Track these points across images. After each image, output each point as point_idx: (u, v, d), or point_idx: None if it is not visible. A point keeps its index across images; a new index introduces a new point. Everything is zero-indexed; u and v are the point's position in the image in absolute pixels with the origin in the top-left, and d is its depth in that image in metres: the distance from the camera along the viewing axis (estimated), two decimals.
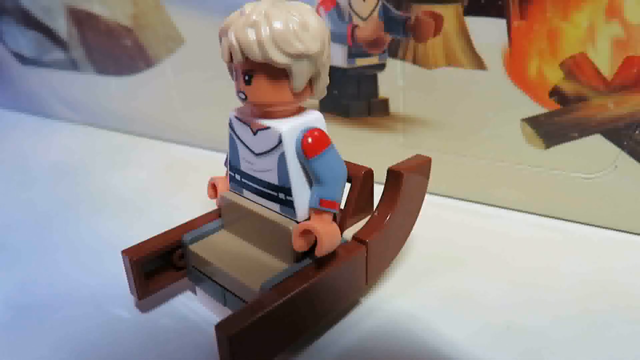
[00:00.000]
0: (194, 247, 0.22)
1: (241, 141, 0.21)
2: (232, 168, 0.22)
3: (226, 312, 0.22)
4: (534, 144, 0.27)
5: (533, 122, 0.27)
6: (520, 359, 0.20)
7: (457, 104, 0.28)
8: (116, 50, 0.41)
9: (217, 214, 0.24)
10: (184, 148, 0.42)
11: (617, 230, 0.27)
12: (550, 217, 0.29)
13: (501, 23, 0.26)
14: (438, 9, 0.27)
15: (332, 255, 0.21)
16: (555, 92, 0.26)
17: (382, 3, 0.28)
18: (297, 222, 0.20)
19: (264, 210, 0.21)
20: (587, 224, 0.28)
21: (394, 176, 0.23)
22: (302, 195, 0.20)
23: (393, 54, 0.29)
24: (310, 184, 0.20)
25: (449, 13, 0.27)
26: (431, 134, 0.30)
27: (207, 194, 0.24)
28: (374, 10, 0.29)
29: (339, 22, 0.30)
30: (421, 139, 0.30)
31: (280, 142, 0.19)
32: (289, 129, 0.19)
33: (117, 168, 0.39)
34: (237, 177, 0.22)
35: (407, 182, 0.23)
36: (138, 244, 0.22)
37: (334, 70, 0.32)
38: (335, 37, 0.31)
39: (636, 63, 0.23)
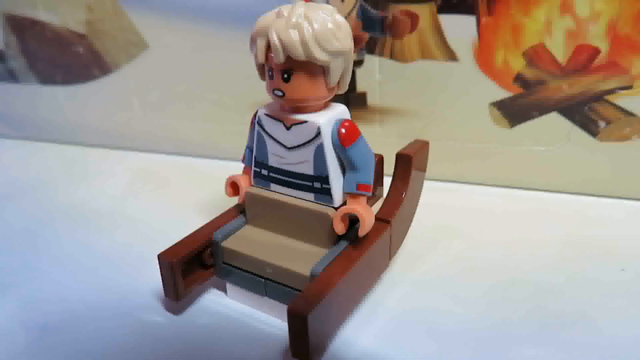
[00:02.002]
0: (227, 244, 0.23)
1: (271, 137, 0.22)
2: (258, 164, 0.23)
3: (264, 302, 0.23)
4: (500, 124, 0.31)
5: (499, 105, 0.31)
6: (534, 309, 0.23)
7: (431, 94, 0.32)
8: (65, 58, 0.39)
9: (235, 210, 0.25)
10: (147, 155, 0.41)
11: (574, 193, 0.32)
12: (517, 188, 0.33)
13: (471, 19, 0.29)
14: (414, 8, 0.30)
15: (364, 235, 0.22)
16: (519, 78, 0.30)
17: (360, 3, 0.31)
18: (334, 208, 0.22)
19: (297, 200, 0.22)
20: (550, 191, 0.32)
21: (403, 159, 0.25)
22: (337, 182, 0.22)
23: (371, 50, 0.32)
24: (343, 171, 0.22)
25: (424, 11, 0.30)
26: (407, 122, 0.33)
27: (225, 192, 0.25)
28: (352, 10, 0.31)
29: None
30: (397, 128, 0.33)
31: (318, 134, 0.21)
32: (325, 121, 0.21)
33: (79, 181, 0.37)
34: (264, 172, 0.23)
35: (415, 163, 0.25)
36: (171, 247, 0.23)
37: None
38: None
39: (585, 50, 0.28)
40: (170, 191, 0.35)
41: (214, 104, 0.37)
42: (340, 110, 0.22)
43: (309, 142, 0.21)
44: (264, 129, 0.22)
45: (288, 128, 0.22)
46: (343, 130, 0.21)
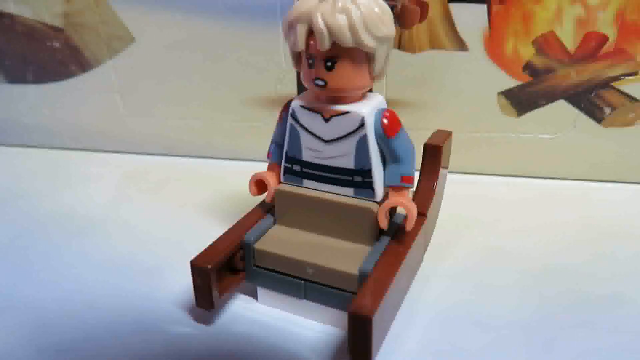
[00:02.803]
0: (260, 245, 0.22)
1: (306, 130, 0.21)
2: (290, 159, 0.22)
3: (301, 305, 0.22)
4: (508, 113, 0.31)
5: (507, 94, 0.31)
6: (567, 292, 0.23)
7: (440, 84, 0.31)
8: (39, 54, 0.36)
9: (260, 210, 0.24)
10: (133, 157, 0.38)
11: (580, 180, 0.32)
12: (523, 176, 0.33)
13: (482, 8, 0.29)
14: None
15: (404, 230, 0.22)
16: (528, 67, 0.30)
17: None
18: (376, 202, 0.21)
19: (336, 196, 0.21)
20: (556, 178, 0.33)
21: (432, 150, 0.24)
22: (379, 175, 0.21)
23: None
24: (383, 164, 0.21)
25: (434, 0, 0.29)
26: (414, 113, 0.32)
27: (249, 191, 0.24)
28: None
29: None
30: (405, 119, 0.32)
31: (361, 125, 0.20)
32: (369, 111, 0.20)
33: (63, 188, 0.34)
34: (296, 167, 0.22)
35: (443, 154, 0.25)
36: (203, 252, 0.21)
37: None
38: None
39: (593, 37, 0.28)
40: (165, 194, 0.33)
41: (206, 101, 0.35)
42: (379, 100, 0.21)
43: (350, 134, 0.20)
44: (298, 122, 0.21)
45: (327, 120, 0.20)
46: (386, 121, 0.20)
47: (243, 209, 0.31)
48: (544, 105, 0.31)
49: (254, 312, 0.23)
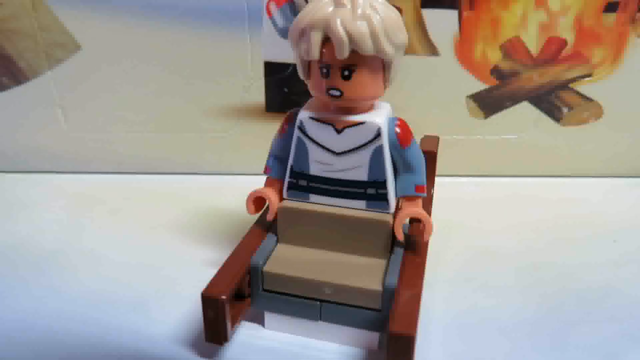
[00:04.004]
0: (270, 268, 0.20)
1: (316, 143, 0.20)
2: (295, 174, 0.21)
3: (314, 328, 0.21)
4: (476, 116, 0.32)
5: (476, 97, 0.32)
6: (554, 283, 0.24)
7: (411, 89, 0.31)
8: None
9: (259, 229, 0.22)
10: (81, 177, 0.34)
11: (543, 176, 0.34)
12: (491, 176, 0.34)
13: (453, 14, 0.29)
14: (397, 2, 0.29)
15: (415, 239, 0.21)
16: (495, 70, 0.31)
17: None
18: (390, 214, 0.20)
19: (348, 210, 0.20)
20: (521, 176, 0.34)
21: (428, 156, 0.24)
22: (392, 186, 0.20)
23: None
24: (394, 174, 0.20)
25: (407, 6, 0.29)
26: None
27: (247, 209, 0.22)
28: None
29: (293, 17, 0.29)
30: None
31: (377, 135, 0.19)
32: (384, 121, 0.19)
33: (3, 216, 0.30)
34: (302, 182, 0.21)
35: (437, 159, 0.25)
36: (212, 281, 0.19)
37: (284, 67, 0.31)
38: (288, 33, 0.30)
39: (555, 42, 0.30)
40: (127, 217, 0.30)
41: (164, 113, 0.33)
42: (388, 109, 0.20)
43: (365, 145, 0.19)
44: (306, 135, 0.20)
45: (339, 131, 0.19)
46: (399, 130, 0.20)
47: (217, 227, 0.30)
48: (509, 106, 0.32)
49: (263, 339, 0.21)
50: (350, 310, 0.20)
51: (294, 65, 0.30)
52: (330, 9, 0.18)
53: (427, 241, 0.21)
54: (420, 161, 0.20)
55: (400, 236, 0.20)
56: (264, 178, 0.34)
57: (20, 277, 0.25)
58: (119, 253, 0.27)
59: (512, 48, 0.30)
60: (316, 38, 0.18)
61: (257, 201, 0.22)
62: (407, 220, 0.20)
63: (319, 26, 0.18)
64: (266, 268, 0.20)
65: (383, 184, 0.20)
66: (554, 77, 0.31)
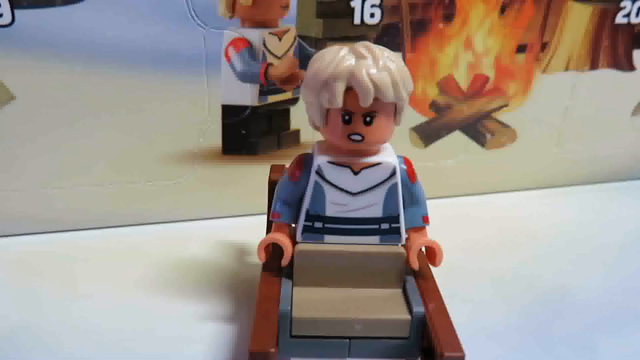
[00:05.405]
0: (298, 313, 0.20)
1: (333, 185, 0.21)
2: (311, 217, 0.21)
3: None
4: (417, 146, 0.35)
5: (417, 129, 0.35)
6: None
7: None
8: None
9: (271, 275, 0.22)
10: (7, 241, 0.30)
11: (476, 194, 0.38)
12: (434, 198, 0.37)
13: (398, 55, 0.32)
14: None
15: (420, 265, 0.23)
16: (433, 104, 0.34)
17: (297, 41, 0.30)
18: (402, 246, 0.22)
19: (362, 247, 0.22)
20: (457, 196, 0.38)
21: None
22: (403, 219, 0.22)
23: None
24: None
25: None
26: None
27: (259, 257, 0.22)
28: (289, 48, 0.30)
29: (251, 61, 0.30)
30: None
31: (392, 174, 0.21)
32: (396, 161, 0.21)
33: None
34: (318, 224, 0.21)
35: None
36: (254, 336, 0.19)
37: (241, 110, 0.31)
38: (247, 77, 0.30)
39: (480, 78, 0.34)
40: (86, 279, 0.27)
41: (113, 161, 0.30)
42: (392, 149, 0.22)
43: (380, 183, 0.21)
44: (324, 178, 0.21)
45: (356, 173, 0.21)
46: (405, 167, 0.21)
47: (192, 278, 0.29)
48: (444, 136, 0.36)
49: None
50: (379, 342, 0.21)
51: (252, 108, 0.31)
52: (353, 61, 0.19)
53: (427, 265, 0.23)
54: (423, 194, 0.22)
55: (415, 265, 0.22)
56: (223, 222, 0.34)
57: None
58: (101, 320, 0.24)
59: (447, 84, 0.34)
60: (340, 88, 0.19)
61: (268, 248, 0.22)
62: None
63: (342, 77, 0.19)
64: (295, 314, 0.20)
65: (396, 219, 0.21)
66: (479, 109, 0.36)
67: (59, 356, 0.22)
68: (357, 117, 0.19)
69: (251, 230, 0.30)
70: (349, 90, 0.19)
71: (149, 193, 0.32)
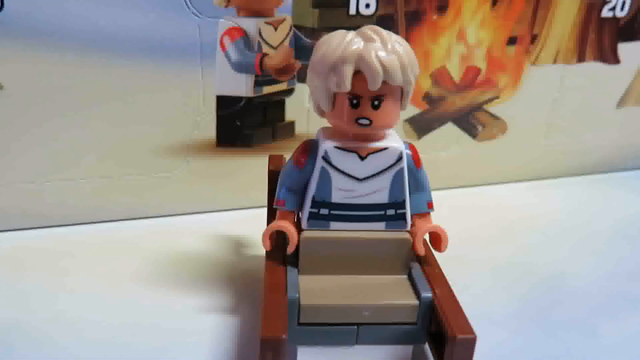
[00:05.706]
0: (307, 301, 0.20)
1: (340, 171, 0.21)
2: (317, 204, 0.21)
3: (350, 352, 0.21)
4: (411, 137, 0.35)
5: (411, 121, 0.35)
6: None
7: None
8: None
9: (275, 262, 0.22)
10: (0, 236, 0.29)
11: (467, 186, 0.38)
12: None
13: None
14: None
15: (423, 250, 0.23)
16: (426, 96, 0.34)
17: (293, 32, 0.30)
18: (407, 231, 0.22)
19: (368, 233, 0.21)
20: (450, 188, 0.38)
21: None
22: (409, 205, 0.22)
23: (302, 79, 0.31)
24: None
25: None
26: None
27: (264, 245, 0.22)
28: (285, 38, 0.30)
29: (246, 51, 0.30)
30: None
31: (399, 159, 0.21)
32: (403, 145, 0.21)
33: None
34: (324, 211, 0.21)
35: None
36: (264, 323, 0.18)
37: (236, 101, 0.31)
38: (242, 67, 0.30)
39: (472, 70, 0.35)
40: (79, 274, 0.27)
41: (105, 155, 0.30)
42: (397, 134, 0.22)
43: (387, 169, 0.21)
44: (331, 164, 0.20)
45: (363, 158, 0.20)
46: (411, 153, 0.21)
47: (188, 271, 0.28)
48: (437, 127, 0.36)
49: None
50: (386, 328, 0.21)
51: (247, 99, 0.31)
52: (361, 44, 0.19)
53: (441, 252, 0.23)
54: (427, 180, 0.22)
55: (421, 251, 0.22)
56: (220, 216, 0.33)
57: None
58: (98, 315, 0.24)
59: (440, 76, 0.34)
60: (348, 71, 0.19)
61: (272, 235, 0.22)
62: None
63: (351, 60, 0.19)
64: (303, 301, 0.20)
65: (402, 204, 0.21)
66: (471, 101, 0.36)
67: (53, 353, 0.21)
68: (364, 101, 0.19)
69: (246, 223, 0.30)
70: (357, 73, 0.19)
71: (141, 186, 0.31)
